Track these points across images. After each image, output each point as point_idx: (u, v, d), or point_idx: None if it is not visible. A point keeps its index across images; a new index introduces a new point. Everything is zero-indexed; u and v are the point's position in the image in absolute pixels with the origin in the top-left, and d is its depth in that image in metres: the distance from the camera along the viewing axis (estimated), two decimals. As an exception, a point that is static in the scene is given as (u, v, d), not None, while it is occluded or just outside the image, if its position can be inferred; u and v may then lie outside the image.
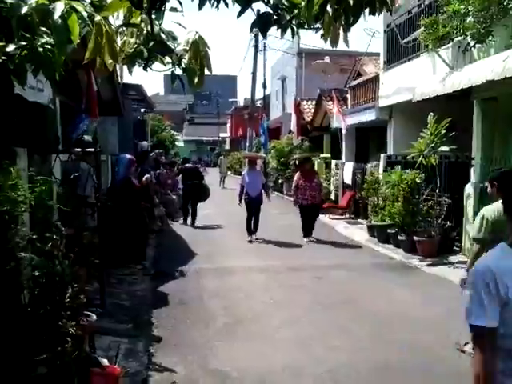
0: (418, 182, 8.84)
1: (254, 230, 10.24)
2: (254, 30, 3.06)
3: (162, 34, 3.33)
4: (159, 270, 7.58)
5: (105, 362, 3.46)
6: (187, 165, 13.64)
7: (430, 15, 8.56)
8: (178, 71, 3.36)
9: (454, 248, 8.69)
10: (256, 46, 24.46)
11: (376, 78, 12.69)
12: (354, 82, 15.09)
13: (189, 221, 12.48)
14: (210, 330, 5.18)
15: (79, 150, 5.37)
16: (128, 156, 7.94)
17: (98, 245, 4.92)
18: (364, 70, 15.97)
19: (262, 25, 2.99)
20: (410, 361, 4.37)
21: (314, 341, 4.83)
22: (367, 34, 14.38)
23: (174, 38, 3.31)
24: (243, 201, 10.32)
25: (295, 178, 10.54)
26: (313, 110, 19.22)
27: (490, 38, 7.13)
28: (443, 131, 8.27)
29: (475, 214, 7.90)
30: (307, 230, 10.28)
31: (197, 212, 12.50)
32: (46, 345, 2.81)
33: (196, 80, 3.00)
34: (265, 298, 6.31)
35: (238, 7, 2.92)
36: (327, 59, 18.36)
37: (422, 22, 8.23)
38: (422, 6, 9.88)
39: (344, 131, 14.58)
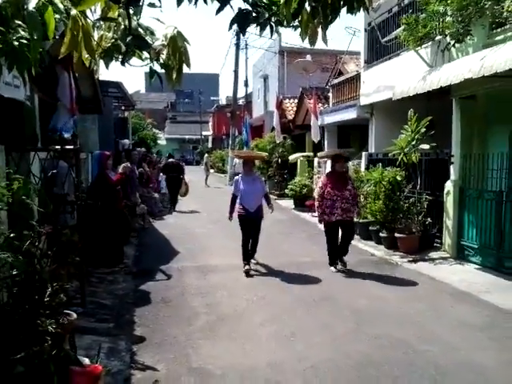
0: (399, 179, 8.94)
1: (251, 254, 7.66)
2: (233, 27, 3.07)
3: (139, 29, 3.31)
4: (141, 269, 7.53)
5: (85, 361, 3.42)
6: (170, 160, 16.40)
7: (411, 14, 8.64)
8: (157, 67, 3.34)
9: (435, 244, 8.80)
10: (237, 45, 24.44)
11: (357, 77, 12.77)
12: (336, 81, 15.16)
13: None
14: (193, 327, 5.16)
15: (58, 147, 5.29)
16: (103, 152, 7.87)
17: (78, 243, 4.86)
18: (345, 68, 16.06)
19: (240, 22, 2.99)
20: (390, 356, 4.41)
21: (296, 337, 4.84)
22: (348, 32, 14.48)
23: (152, 33, 3.29)
24: (237, 217, 7.54)
25: (319, 184, 7.53)
26: (295, 109, 19.28)
27: (468, 38, 7.23)
28: (423, 129, 8.38)
29: (455, 210, 8.07)
30: (335, 254, 7.55)
31: (177, 199, 15.12)
32: (24, 344, 2.77)
33: (174, 76, 2.98)
34: (248, 295, 6.30)
35: (217, 4, 2.92)
36: (309, 58, 18.43)
37: (402, 21, 8.30)
38: (402, 4, 9.98)
39: (314, 135, 14.71)
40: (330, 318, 5.42)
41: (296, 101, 19.31)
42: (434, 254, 8.35)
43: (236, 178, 7.72)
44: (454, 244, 8.11)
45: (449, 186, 8.24)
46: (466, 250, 7.86)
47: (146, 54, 3.27)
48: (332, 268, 7.49)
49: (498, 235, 7.21)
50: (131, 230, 8.71)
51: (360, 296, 6.28)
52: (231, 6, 3.05)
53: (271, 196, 19.11)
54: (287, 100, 20.80)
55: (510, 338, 4.78)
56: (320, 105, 16.16)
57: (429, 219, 8.76)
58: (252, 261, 7.61)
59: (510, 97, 7.51)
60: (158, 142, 30.10)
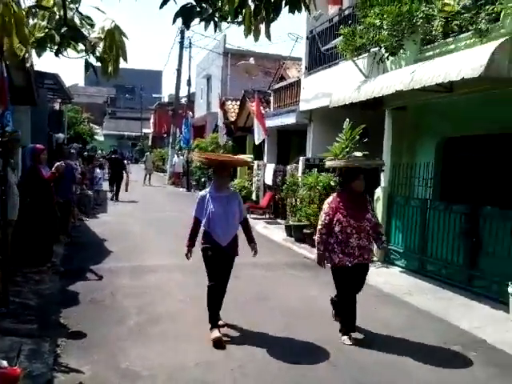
0: (333, 184, 9.23)
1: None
2: (178, 22, 3.07)
3: (76, 19, 3.23)
4: (70, 268, 7.28)
5: (3, 363, 3.28)
6: (113, 156, 18.74)
7: (350, 25, 8.94)
8: (94, 60, 3.27)
9: (365, 248, 9.13)
10: (181, 43, 24.20)
11: (298, 83, 13.05)
12: (277, 85, 15.41)
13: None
14: (122, 329, 5.06)
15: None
16: (36, 145, 7.52)
17: (2, 240, 4.63)
18: (287, 73, 16.38)
19: (184, 16, 3.00)
20: (316, 354, 4.56)
21: (227, 337, 4.88)
22: (291, 38, 14.75)
23: (92, 24, 3.22)
24: (201, 250, 5.02)
25: (325, 209, 4.98)
26: (237, 110, 19.38)
27: (401, 51, 7.59)
28: (357, 137, 8.69)
29: (384, 216, 8.44)
30: (352, 314, 5.02)
31: (119, 191, 16.93)
32: None
33: (110, 69, 2.93)
34: (181, 296, 6.27)
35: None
36: (252, 60, 18.60)
37: (341, 32, 8.57)
38: (343, 15, 10.32)
39: (257, 137, 14.90)
40: (262, 318, 5.52)
41: (238, 103, 19.41)
42: (363, 258, 8.66)
43: (201, 193, 5.09)
44: (383, 248, 8.47)
45: (379, 192, 8.60)
46: (392, 253, 8.24)
47: (81, 46, 3.19)
48: (345, 339, 4.88)
49: (421, 240, 7.63)
50: (60, 227, 8.36)
51: (292, 296, 6.43)
52: (175, 1, 3.05)
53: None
54: (230, 102, 20.85)
55: (426, 338, 5.07)
56: (261, 108, 16.34)
57: (360, 224, 9.07)
58: (220, 327, 4.97)
59: (437, 109, 7.98)
60: (96, 137, 29.22)
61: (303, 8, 2.76)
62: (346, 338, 4.89)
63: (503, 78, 5.29)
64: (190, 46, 24.12)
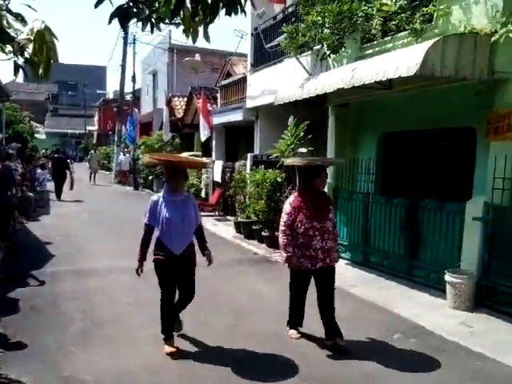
0: (280, 180, 9.34)
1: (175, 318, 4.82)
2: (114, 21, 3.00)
3: (6, 19, 3.10)
4: (9, 274, 6.96)
5: None
6: (56, 155, 18.11)
7: (293, 23, 9.05)
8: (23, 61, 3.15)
9: (312, 242, 9.32)
10: (125, 39, 23.64)
11: (244, 79, 13.08)
12: (224, 82, 15.38)
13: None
14: (66, 335, 4.91)
15: None
16: None
17: None
18: (234, 70, 16.36)
19: (120, 17, 2.95)
20: (264, 349, 4.61)
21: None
22: (236, 35, 14.75)
23: (24, 20, 3.09)
24: (153, 261, 4.61)
25: (287, 209, 4.74)
26: (184, 107, 19.19)
27: (342, 49, 7.76)
28: (302, 133, 8.85)
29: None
30: (301, 312, 5.03)
31: (62, 190, 16.58)
32: None
33: (41, 71, 2.83)
34: (128, 298, 6.16)
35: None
36: (198, 57, 18.44)
37: (284, 29, 8.66)
38: (286, 13, 10.42)
39: (202, 134, 14.90)
40: (210, 316, 5.52)
41: (185, 99, 19.22)
42: (311, 252, 8.85)
43: (154, 198, 4.61)
44: (329, 242, 8.68)
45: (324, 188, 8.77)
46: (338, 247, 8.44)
47: (9, 47, 3.07)
48: (292, 332, 4.98)
49: (364, 233, 7.88)
50: (0, 232, 7.99)
51: (240, 293, 6.47)
52: (110, 1, 2.98)
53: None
54: (176, 98, 20.61)
55: (370, 328, 5.25)
56: (208, 105, 16.27)
57: (307, 218, 9.25)
58: (174, 333, 4.74)
59: (377, 106, 8.23)
60: (37, 136, 28.07)
61: (239, 10, 2.77)
62: (292, 331, 4.97)
63: (436, 76, 5.52)
64: (134, 42, 23.61)
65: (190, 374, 4.13)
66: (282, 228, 4.74)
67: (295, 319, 5.01)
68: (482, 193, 6.04)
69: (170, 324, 4.67)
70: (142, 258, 4.54)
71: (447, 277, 5.96)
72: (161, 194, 4.62)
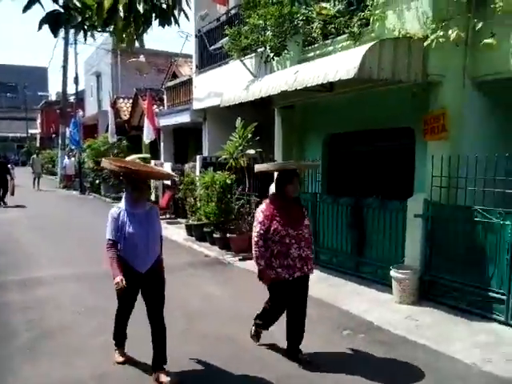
0: (229, 182, 9.37)
1: (160, 352, 4.25)
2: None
3: None
4: None
5: None
6: None
7: (237, 25, 9.09)
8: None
9: (263, 242, 9.42)
10: (66, 39, 22.88)
11: (190, 81, 13.01)
12: (170, 83, 15.23)
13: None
14: (11, 347, 4.76)
15: None
16: None
17: None
18: (180, 71, 16.23)
19: (51, 23, 2.88)
20: (218, 351, 4.65)
21: (126, 345, 4.75)
22: (181, 36, 14.64)
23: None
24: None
25: (259, 218, 4.44)
26: (130, 109, 18.84)
27: (285, 52, 7.89)
28: (250, 135, 8.92)
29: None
30: (276, 318, 4.76)
31: (4, 196, 16.46)
32: None
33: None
34: (75, 307, 6.02)
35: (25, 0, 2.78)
36: (142, 58, 18.15)
37: (226, 32, 8.68)
38: (229, 15, 10.44)
39: (146, 136, 14.75)
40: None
41: (131, 101, 18.87)
42: (262, 252, 8.94)
43: (114, 210, 4.17)
44: (279, 241, 8.80)
45: (272, 188, 8.88)
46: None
47: None
48: (253, 329, 4.88)
49: (313, 232, 8.01)
50: None
51: (192, 296, 6.47)
52: (41, 5, 2.90)
53: (106, 200, 18.54)
54: (122, 100, 20.21)
55: (321, 325, 5.37)
56: (155, 107, 16.06)
57: (257, 219, 9.34)
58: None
59: (321, 108, 8.42)
60: (-26, 141, 26.72)
61: (173, 22, 2.79)
62: (253, 329, 4.86)
63: (374, 78, 5.71)
64: (76, 43, 22.89)
65: (139, 381, 4.10)
66: (254, 239, 4.39)
67: (271, 323, 4.76)
68: (423, 191, 6.31)
69: (122, 332, 4.52)
70: (117, 272, 3.98)
71: (392, 273, 6.18)
72: (121, 205, 4.18)
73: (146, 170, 4.48)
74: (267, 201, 4.53)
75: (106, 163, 4.09)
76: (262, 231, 4.35)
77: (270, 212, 4.39)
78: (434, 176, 5.95)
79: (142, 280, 4.14)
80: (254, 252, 4.40)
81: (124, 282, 3.94)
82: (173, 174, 5.02)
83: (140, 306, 4.31)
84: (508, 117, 6.23)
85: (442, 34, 5.44)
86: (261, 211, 4.45)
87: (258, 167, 5.01)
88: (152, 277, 4.19)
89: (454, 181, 5.86)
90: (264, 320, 4.76)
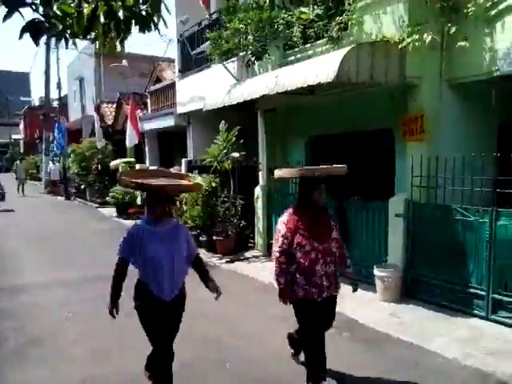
0: (214, 185, 9.43)
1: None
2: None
3: None
4: None
5: None
6: None
7: (218, 29, 9.15)
8: None
9: (249, 244, 9.52)
10: (48, 44, 22.72)
11: (173, 85, 13.03)
12: (154, 88, 15.24)
13: None
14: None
15: None
16: None
17: None
18: (163, 75, 16.24)
19: (32, 32, 2.92)
20: (205, 354, 4.72)
21: (111, 351, 4.82)
22: (164, 40, 14.65)
23: None
24: (136, 309, 3.70)
25: (282, 231, 3.88)
26: (114, 114, 18.79)
27: (266, 56, 7.97)
28: (234, 138, 9.00)
29: (264, 212, 8.83)
30: (323, 356, 3.92)
31: None
32: None
33: None
34: (63, 313, 6.04)
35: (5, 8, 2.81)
36: (125, 63, 18.12)
37: (208, 36, 8.74)
38: (211, 19, 10.49)
39: (128, 141, 14.76)
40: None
41: (115, 105, 18.82)
42: (248, 254, 9.04)
43: (133, 230, 3.59)
44: (265, 243, 8.90)
45: (258, 190, 8.99)
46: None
47: None
48: None
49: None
50: None
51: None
52: (21, 14, 2.94)
53: (92, 205, 18.47)
54: (105, 104, 20.16)
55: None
56: (139, 111, 16.05)
57: (243, 222, 9.43)
58: None
59: (303, 111, 8.52)
60: (-44, 147, 26.39)
61: (153, 27, 2.86)
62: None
63: (353, 82, 5.82)
64: (57, 47, 22.75)
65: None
66: (276, 254, 3.87)
67: (320, 366, 3.89)
68: (403, 190, 6.44)
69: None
70: (116, 297, 3.61)
71: (376, 271, 6.30)
72: (140, 223, 3.61)
73: (171, 185, 3.74)
74: (290, 210, 3.96)
75: (125, 180, 3.53)
76: (284, 246, 3.82)
77: (294, 224, 3.83)
78: (414, 176, 6.07)
79: (166, 309, 3.57)
80: (275, 269, 3.89)
81: (115, 313, 3.62)
82: (202, 184, 4.14)
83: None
84: (484, 118, 6.39)
85: (417, 37, 5.58)
86: (283, 223, 3.88)
87: (278, 173, 4.30)
88: (177, 304, 3.67)
89: (434, 180, 5.99)
90: (313, 362, 3.93)
